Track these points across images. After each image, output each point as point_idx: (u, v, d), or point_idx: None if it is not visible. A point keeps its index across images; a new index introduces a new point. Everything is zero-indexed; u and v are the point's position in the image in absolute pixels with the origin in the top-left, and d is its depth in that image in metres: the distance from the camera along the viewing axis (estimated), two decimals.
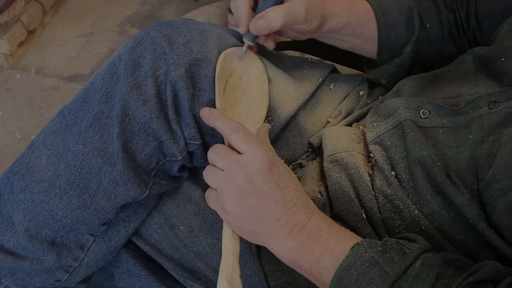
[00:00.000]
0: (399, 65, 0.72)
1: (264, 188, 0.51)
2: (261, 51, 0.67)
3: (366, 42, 0.71)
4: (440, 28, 0.71)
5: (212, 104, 0.59)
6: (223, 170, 0.53)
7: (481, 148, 0.52)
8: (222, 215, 0.54)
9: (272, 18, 0.58)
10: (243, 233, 0.54)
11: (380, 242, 0.49)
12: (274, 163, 0.53)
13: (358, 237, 0.51)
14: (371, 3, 0.70)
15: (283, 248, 0.51)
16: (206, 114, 0.55)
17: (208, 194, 0.56)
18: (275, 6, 0.59)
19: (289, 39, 0.84)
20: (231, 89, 0.60)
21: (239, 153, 0.53)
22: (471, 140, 0.54)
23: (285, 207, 0.51)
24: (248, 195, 0.51)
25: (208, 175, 0.54)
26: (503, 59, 0.58)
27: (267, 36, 0.64)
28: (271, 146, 0.60)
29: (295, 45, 0.90)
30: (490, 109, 0.54)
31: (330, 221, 0.52)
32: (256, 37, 0.60)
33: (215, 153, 0.54)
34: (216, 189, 0.54)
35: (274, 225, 0.51)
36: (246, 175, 0.51)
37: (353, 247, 0.48)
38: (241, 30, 0.60)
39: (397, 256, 0.46)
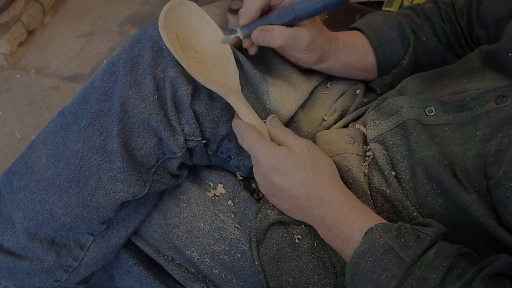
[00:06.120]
0: (396, 76, 0.72)
1: (276, 193, 0.55)
2: (261, 55, 0.67)
3: (365, 73, 0.73)
4: (436, 39, 0.71)
5: (212, 98, 0.59)
6: None
7: (490, 145, 0.50)
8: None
9: (276, 35, 0.59)
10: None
11: (395, 226, 0.49)
12: (276, 168, 0.54)
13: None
14: (360, 27, 0.71)
15: (319, 232, 0.56)
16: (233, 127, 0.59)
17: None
18: (283, 26, 0.60)
19: None
20: (187, 47, 0.59)
21: None
22: (478, 137, 0.52)
23: (299, 204, 0.54)
24: (271, 196, 0.57)
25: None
26: (510, 54, 0.56)
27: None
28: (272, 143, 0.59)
29: None
30: (498, 104, 0.53)
31: (346, 210, 0.52)
32: (249, 35, 0.60)
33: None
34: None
35: (304, 217, 0.56)
36: (260, 182, 0.57)
37: (367, 232, 0.49)
38: (241, 21, 0.60)
39: (412, 241, 0.46)
